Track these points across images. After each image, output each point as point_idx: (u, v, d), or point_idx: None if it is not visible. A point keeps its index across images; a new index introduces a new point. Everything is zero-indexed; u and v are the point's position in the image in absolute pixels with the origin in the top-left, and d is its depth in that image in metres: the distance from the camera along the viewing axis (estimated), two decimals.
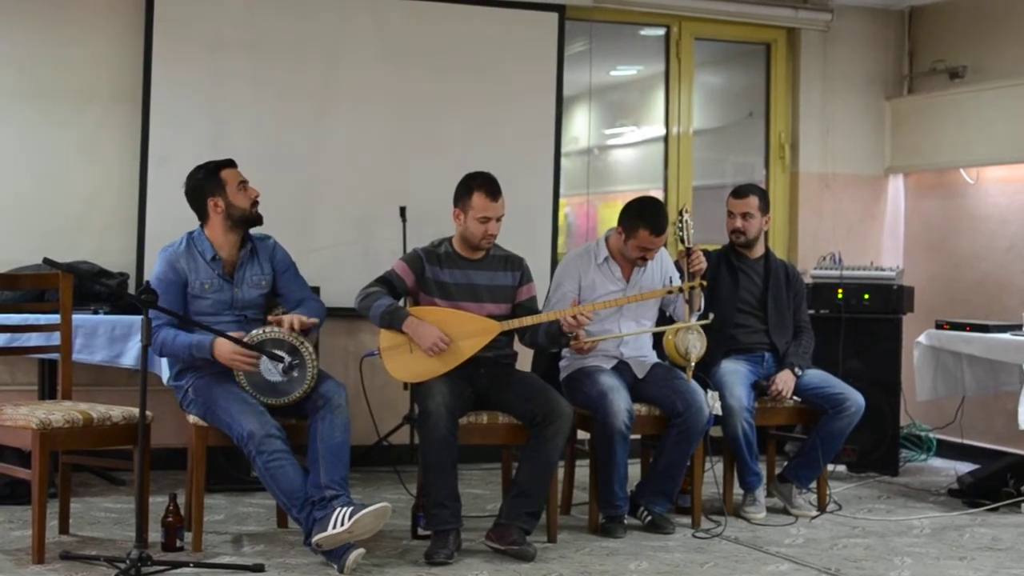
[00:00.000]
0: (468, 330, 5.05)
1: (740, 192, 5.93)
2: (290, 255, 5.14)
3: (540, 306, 5.41)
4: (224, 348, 4.73)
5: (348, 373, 6.07)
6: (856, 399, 5.66)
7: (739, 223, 5.88)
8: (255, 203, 4.99)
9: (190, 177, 5.00)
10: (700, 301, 5.46)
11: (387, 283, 5.14)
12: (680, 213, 5.54)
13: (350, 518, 4.49)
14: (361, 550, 4.56)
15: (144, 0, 6.31)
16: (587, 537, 5.28)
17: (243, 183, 4.97)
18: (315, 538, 4.54)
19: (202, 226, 4.99)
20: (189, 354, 4.79)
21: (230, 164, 5.00)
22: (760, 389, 5.73)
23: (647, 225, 5.35)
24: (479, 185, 5.13)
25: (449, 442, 4.87)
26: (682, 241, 5.49)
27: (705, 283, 5.42)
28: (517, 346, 5.34)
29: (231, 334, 4.74)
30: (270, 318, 4.88)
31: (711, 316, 5.39)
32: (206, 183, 4.94)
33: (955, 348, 6.36)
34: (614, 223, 5.53)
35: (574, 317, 5.03)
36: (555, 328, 5.13)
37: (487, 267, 5.23)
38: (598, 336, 5.29)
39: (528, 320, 5.13)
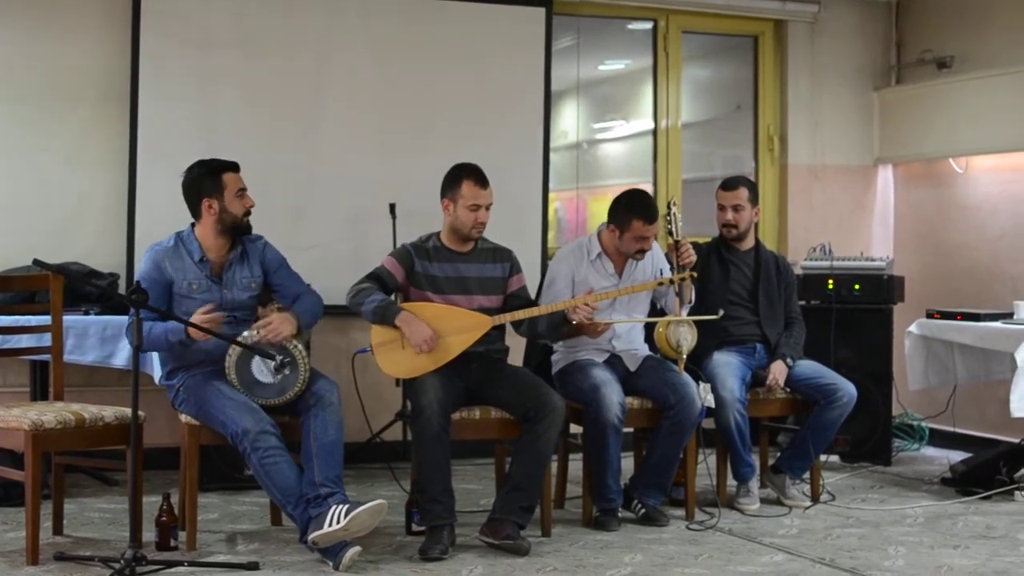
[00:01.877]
0: (460, 325, 5.04)
1: (729, 184, 5.94)
2: (280, 253, 5.13)
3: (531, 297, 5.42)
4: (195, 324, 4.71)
5: (340, 370, 6.06)
6: (848, 389, 5.67)
7: (729, 215, 5.88)
8: (247, 212, 4.95)
9: (190, 170, 4.95)
10: (691, 293, 5.46)
11: (378, 279, 5.14)
12: (668, 206, 5.54)
13: (346, 516, 4.49)
14: (357, 548, 4.56)
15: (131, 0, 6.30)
16: (581, 530, 5.28)
17: (242, 190, 4.93)
18: (311, 536, 4.54)
19: (193, 225, 4.97)
20: (166, 339, 4.77)
21: (234, 168, 4.95)
22: (758, 379, 5.74)
23: (639, 215, 5.35)
24: (468, 174, 5.15)
25: (442, 438, 4.87)
26: (671, 234, 5.49)
27: (695, 275, 5.43)
28: (509, 340, 5.35)
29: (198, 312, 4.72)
30: (260, 311, 4.87)
31: (721, 312, 5.39)
32: (205, 181, 4.90)
33: (946, 337, 6.37)
34: (604, 217, 5.53)
35: (584, 304, 5.04)
36: (558, 317, 5.13)
37: (476, 259, 5.23)
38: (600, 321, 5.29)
39: (520, 314, 5.14)
